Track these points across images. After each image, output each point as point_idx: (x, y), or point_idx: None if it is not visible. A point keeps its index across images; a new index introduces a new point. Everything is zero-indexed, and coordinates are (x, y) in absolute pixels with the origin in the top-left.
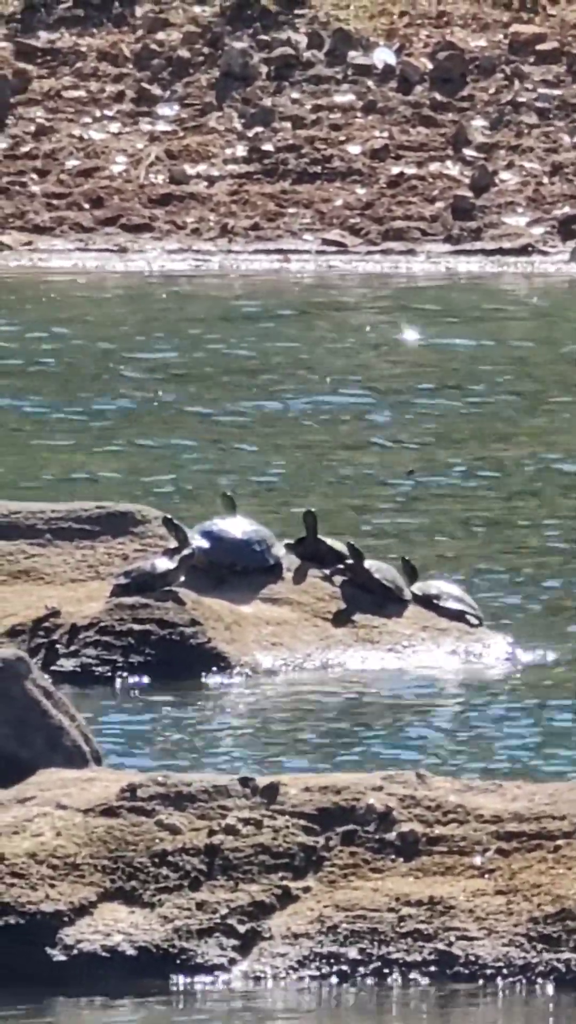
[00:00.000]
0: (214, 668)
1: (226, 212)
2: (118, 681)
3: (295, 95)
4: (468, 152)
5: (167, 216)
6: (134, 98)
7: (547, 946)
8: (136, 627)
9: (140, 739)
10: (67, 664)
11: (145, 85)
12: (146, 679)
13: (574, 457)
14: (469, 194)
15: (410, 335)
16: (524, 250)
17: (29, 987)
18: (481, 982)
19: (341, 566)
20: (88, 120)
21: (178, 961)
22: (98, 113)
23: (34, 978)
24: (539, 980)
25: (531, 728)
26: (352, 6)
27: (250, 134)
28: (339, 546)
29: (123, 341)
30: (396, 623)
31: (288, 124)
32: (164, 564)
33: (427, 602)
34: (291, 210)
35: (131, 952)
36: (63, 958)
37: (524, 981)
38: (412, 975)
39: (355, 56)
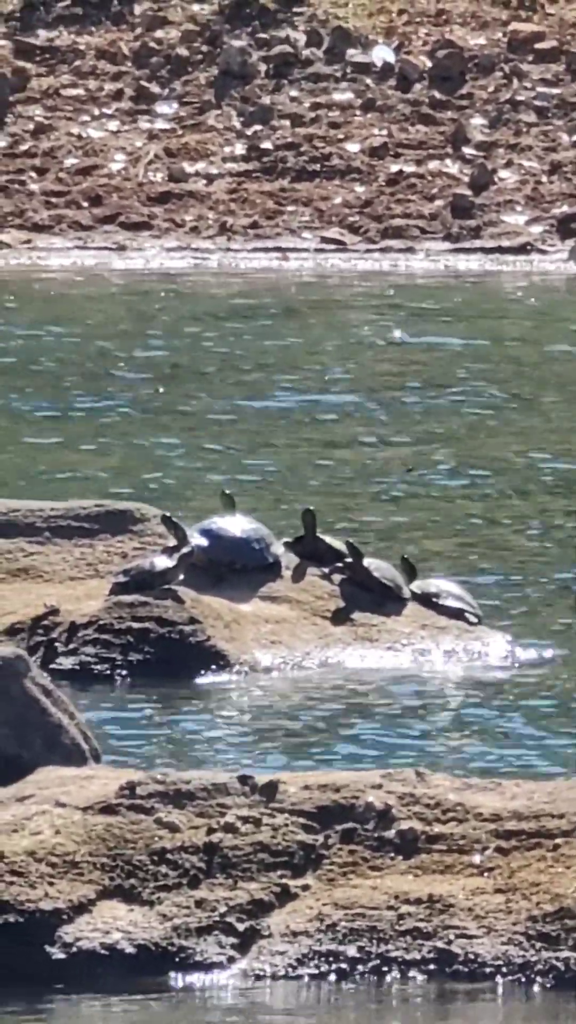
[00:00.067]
0: (213, 666)
1: (225, 210)
2: (117, 679)
3: (294, 93)
4: (467, 150)
5: (166, 214)
6: (133, 96)
7: (546, 944)
8: (135, 625)
9: (139, 737)
10: (66, 662)
11: (144, 83)
12: (145, 677)
13: (569, 456)
14: (468, 192)
15: (401, 335)
16: (523, 248)
17: (28, 985)
18: (480, 980)
19: (340, 564)
20: (87, 118)
21: (177, 959)
22: (97, 111)
23: (33, 976)
24: (538, 978)
25: (530, 726)
26: (351, 4)
27: (249, 132)
28: (338, 544)
29: (121, 339)
30: (395, 621)
31: (287, 122)
32: (163, 562)
33: (426, 600)
34: (290, 208)
35: (130, 950)
36: (62, 956)
37: (523, 979)
38: (411, 973)
39: (354, 54)
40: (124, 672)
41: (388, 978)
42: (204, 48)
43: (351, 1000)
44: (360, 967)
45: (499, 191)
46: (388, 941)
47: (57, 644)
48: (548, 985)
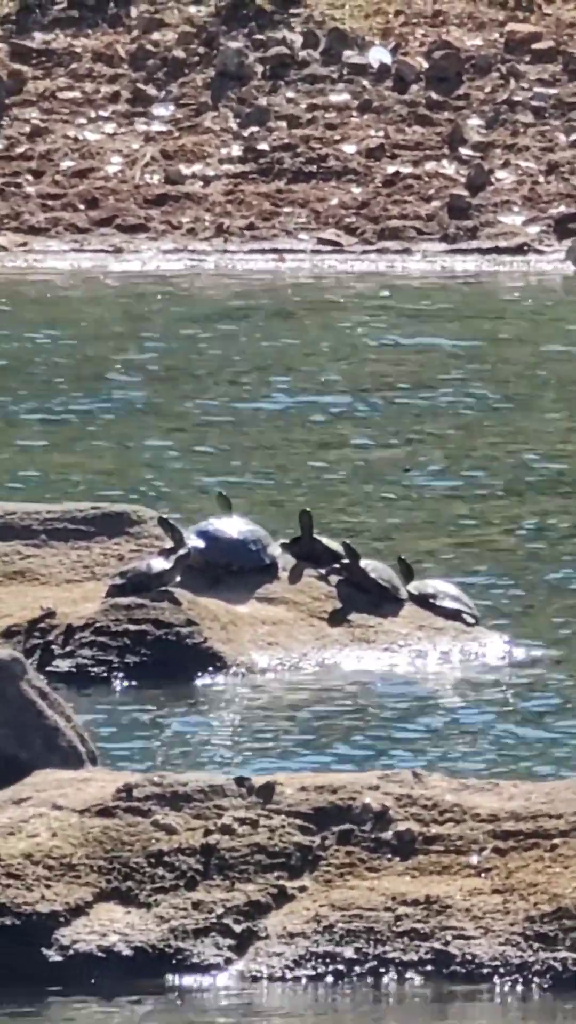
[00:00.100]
0: (210, 668)
1: (221, 212)
2: (114, 681)
3: (290, 94)
4: (464, 151)
5: (162, 216)
6: (129, 98)
7: (543, 945)
8: (132, 627)
9: (136, 739)
10: (63, 665)
11: (140, 85)
12: (142, 679)
13: (566, 456)
14: (465, 193)
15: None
16: (520, 249)
17: (25, 987)
18: (478, 981)
19: (337, 565)
20: (83, 121)
21: (174, 961)
22: (93, 114)
23: (30, 978)
24: (535, 979)
25: (528, 727)
26: (347, 5)
27: (245, 134)
28: (335, 545)
29: (117, 341)
30: (392, 622)
31: (283, 123)
32: (160, 564)
33: (423, 601)
34: (287, 209)
35: (127, 952)
36: (59, 958)
37: (520, 980)
38: (408, 974)
39: (350, 55)
40: (121, 674)
41: (385, 979)
42: (200, 50)
43: (348, 1001)
44: (357, 968)
45: (496, 192)
46: (385, 942)
47: (54, 647)
48: (546, 986)
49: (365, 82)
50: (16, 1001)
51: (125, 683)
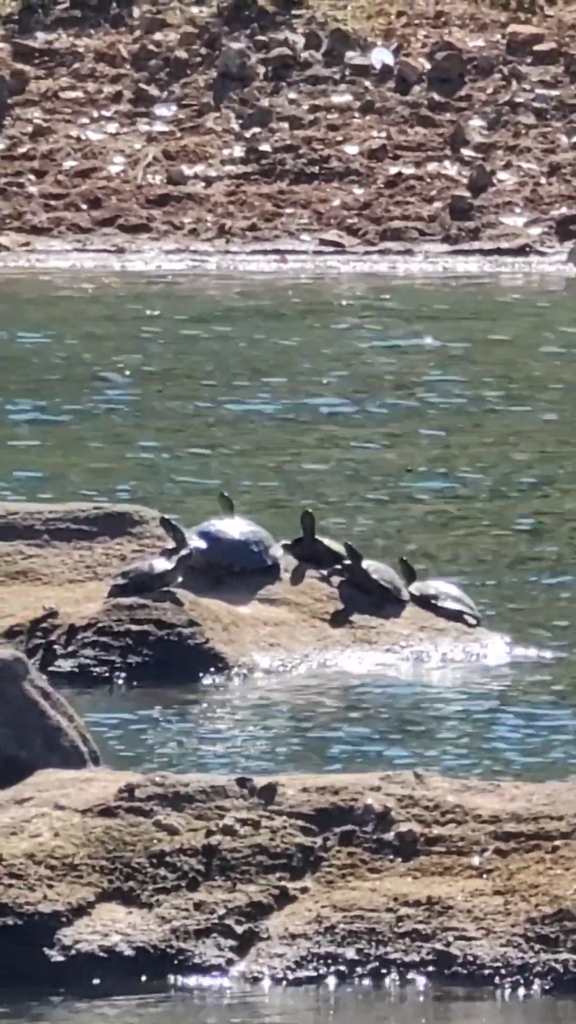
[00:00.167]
0: (212, 668)
1: (223, 212)
2: (116, 682)
3: (292, 95)
4: (466, 152)
5: (164, 217)
6: (131, 99)
7: (545, 946)
8: (134, 628)
9: (138, 739)
10: (65, 665)
11: (143, 86)
12: (144, 679)
13: (568, 457)
14: (467, 194)
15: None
16: (522, 250)
17: (27, 987)
18: (479, 982)
19: (339, 567)
20: (85, 121)
21: (176, 961)
22: (95, 114)
23: (32, 978)
24: (537, 980)
25: (529, 728)
26: (349, 6)
27: (247, 134)
28: (337, 547)
29: (120, 341)
30: (394, 623)
31: (286, 124)
32: (162, 565)
33: (425, 602)
34: (288, 210)
35: (129, 952)
36: (61, 958)
37: (522, 981)
38: (410, 975)
39: (353, 56)
40: (123, 674)
41: (387, 980)
42: (203, 50)
43: (350, 1002)
44: (359, 969)
45: (498, 193)
46: (387, 943)
47: (56, 647)
48: (547, 987)
49: (367, 83)
50: (18, 1001)
51: (127, 683)
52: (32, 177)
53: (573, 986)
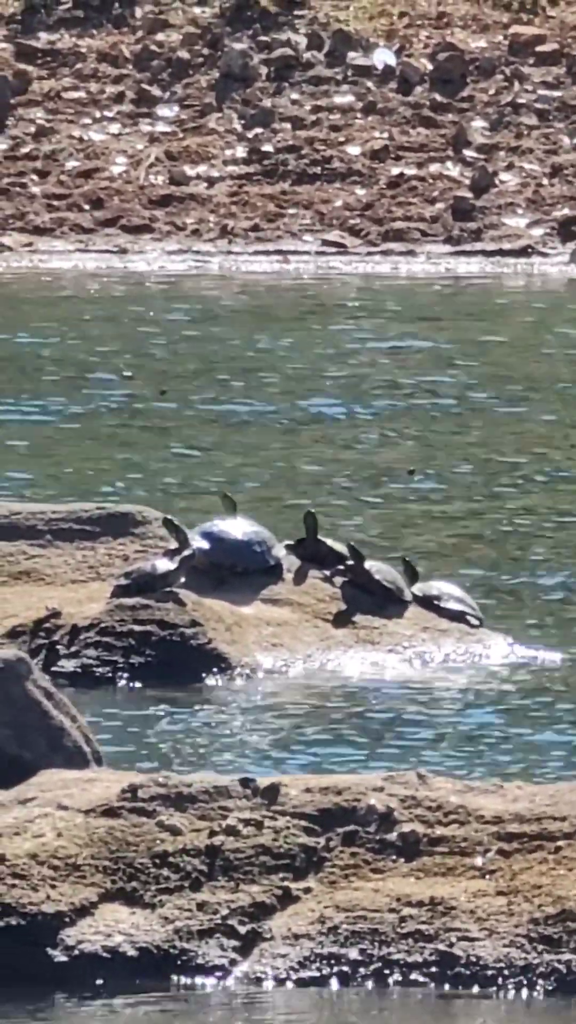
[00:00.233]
0: (215, 669)
1: (226, 213)
2: (119, 682)
3: (295, 96)
4: (468, 153)
5: (167, 217)
6: (134, 99)
7: (548, 947)
8: (137, 628)
9: (141, 740)
10: (68, 665)
11: (145, 86)
12: (147, 680)
13: (570, 457)
14: (469, 195)
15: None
16: (524, 251)
17: (30, 988)
18: (482, 983)
19: (341, 567)
20: (88, 121)
21: (179, 962)
22: (98, 114)
23: (35, 979)
24: (540, 981)
25: (532, 728)
26: (352, 7)
27: (250, 135)
28: (339, 547)
29: (122, 341)
30: (396, 624)
31: (288, 125)
32: (165, 565)
33: (427, 603)
34: (291, 211)
35: (132, 953)
36: (64, 959)
37: (525, 982)
38: (413, 976)
39: (355, 57)
40: (126, 675)
41: (390, 981)
42: (205, 51)
43: (353, 1003)
44: (362, 970)
45: (500, 194)
46: (390, 944)
47: (59, 647)
48: (550, 988)
49: (369, 84)
50: (21, 1001)
51: (130, 683)
52: (35, 177)
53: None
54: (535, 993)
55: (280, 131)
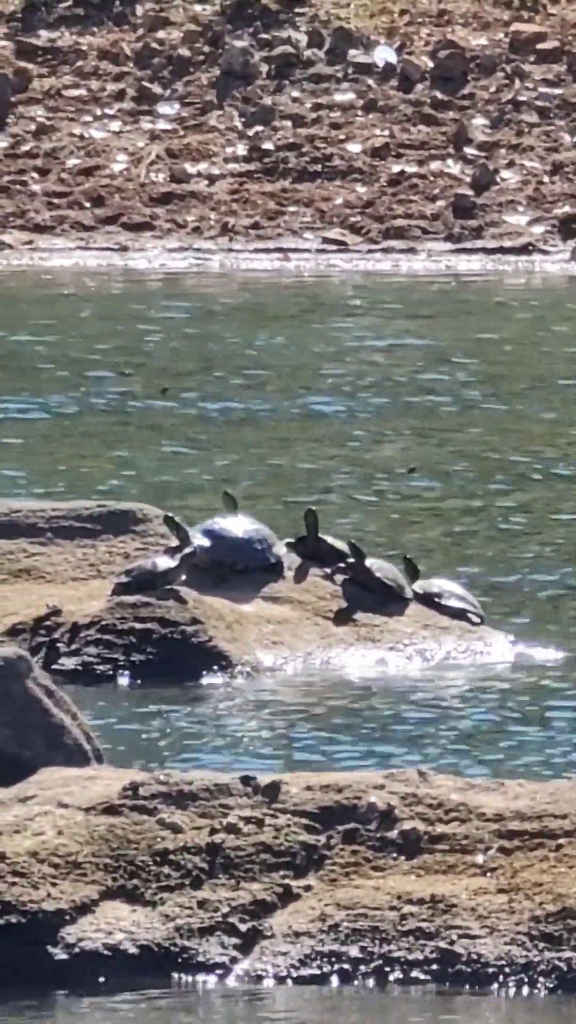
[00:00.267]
0: (215, 667)
1: (227, 211)
2: (119, 680)
3: (295, 94)
4: (469, 151)
5: (168, 215)
6: (135, 97)
7: (549, 945)
8: (137, 626)
9: (141, 737)
10: (68, 663)
11: (146, 84)
12: (147, 677)
13: (571, 455)
14: (470, 193)
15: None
16: (525, 249)
17: (31, 986)
18: (483, 981)
19: (342, 565)
20: (89, 119)
21: (180, 960)
22: (99, 112)
23: (36, 977)
24: (540, 979)
25: (533, 726)
26: (352, 4)
27: (250, 133)
28: (340, 545)
29: (122, 339)
30: (397, 622)
31: (288, 123)
32: (165, 563)
33: (428, 600)
34: (291, 209)
35: (133, 950)
36: (65, 957)
37: (526, 980)
38: (414, 973)
39: (356, 55)
40: (126, 672)
41: (391, 979)
42: (206, 49)
43: (353, 1001)
44: (363, 967)
45: (501, 191)
46: (391, 941)
47: (59, 645)
48: (551, 985)
49: (370, 81)
50: (22, 999)
51: (130, 681)
52: (35, 175)
53: None
54: (536, 991)
55: (281, 129)
